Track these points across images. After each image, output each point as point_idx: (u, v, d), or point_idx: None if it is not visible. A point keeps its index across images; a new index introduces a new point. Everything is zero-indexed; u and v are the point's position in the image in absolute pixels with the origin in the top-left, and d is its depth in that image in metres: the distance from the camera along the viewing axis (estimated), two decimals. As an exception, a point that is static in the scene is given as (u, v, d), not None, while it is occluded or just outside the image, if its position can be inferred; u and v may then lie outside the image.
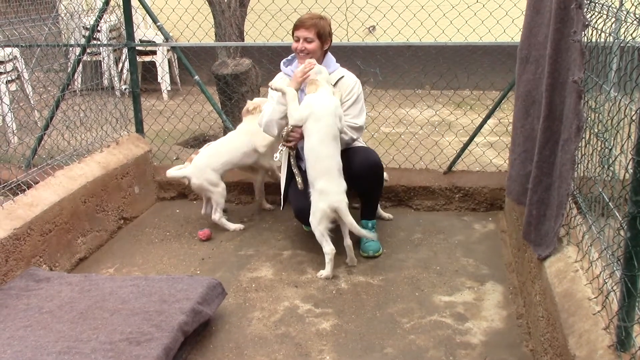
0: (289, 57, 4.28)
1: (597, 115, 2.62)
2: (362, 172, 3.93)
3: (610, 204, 2.40)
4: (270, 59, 7.34)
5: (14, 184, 3.95)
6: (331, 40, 4.20)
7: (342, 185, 3.82)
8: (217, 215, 4.52)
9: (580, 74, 2.66)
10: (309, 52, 4.07)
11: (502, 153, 5.22)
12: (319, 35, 4.06)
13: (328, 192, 3.79)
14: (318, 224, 3.82)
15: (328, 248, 3.83)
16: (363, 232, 3.90)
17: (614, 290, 2.20)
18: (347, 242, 3.95)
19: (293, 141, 4.04)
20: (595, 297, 2.40)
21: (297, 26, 4.09)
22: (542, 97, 3.00)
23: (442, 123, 5.85)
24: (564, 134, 2.88)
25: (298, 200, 4.13)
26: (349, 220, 3.82)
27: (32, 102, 6.22)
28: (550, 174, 3.01)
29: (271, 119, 4.09)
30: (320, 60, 4.14)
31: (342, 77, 4.16)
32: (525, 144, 3.47)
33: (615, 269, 2.28)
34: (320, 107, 3.86)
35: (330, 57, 4.22)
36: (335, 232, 3.92)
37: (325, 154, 3.82)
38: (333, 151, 3.84)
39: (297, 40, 4.08)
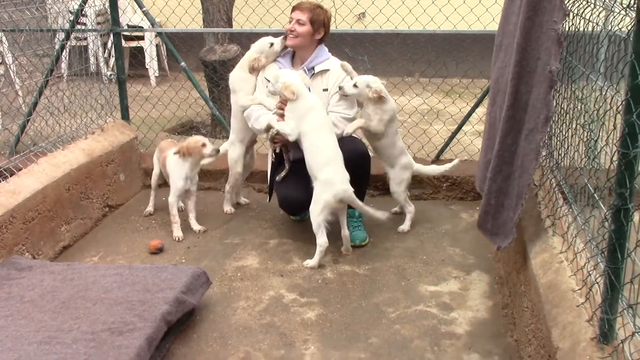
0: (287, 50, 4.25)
1: (583, 105, 2.60)
2: (349, 162, 3.90)
3: (595, 195, 2.39)
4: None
5: (-4, 172, 3.90)
6: (326, 33, 4.14)
7: (347, 175, 3.83)
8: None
9: (557, 64, 2.64)
10: (298, 35, 4.05)
11: (490, 142, 5.19)
12: (311, 20, 4.03)
13: (333, 182, 3.78)
14: (318, 214, 3.79)
15: (322, 240, 3.81)
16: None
17: (597, 283, 2.19)
18: (345, 232, 3.97)
19: (279, 143, 4.07)
20: (579, 289, 2.39)
21: (294, 8, 4.11)
22: (508, 86, 2.98)
23: (430, 111, 5.82)
24: (528, 123, 2.86)
25: (283, 189, 4.10)
26: (359, 205, 3.87)
27: (16, 87, 6.12)
28: (512, 163, 3.00)
29: (256, 127, 4.21)
30: (310, 50, 4.09)
31: (328, 70, 4.10)
32: (489, 132, 3.46)
33: (599, 261, 2.27)
34: (314, 101, 3.89)
35: (322, 48, 4.17)
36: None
37: (325, 145, 3.83)
38: (333, 141, 3.86)
39: (290, 21, 4.08)
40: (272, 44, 4.21)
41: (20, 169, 4.00)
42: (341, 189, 3.77)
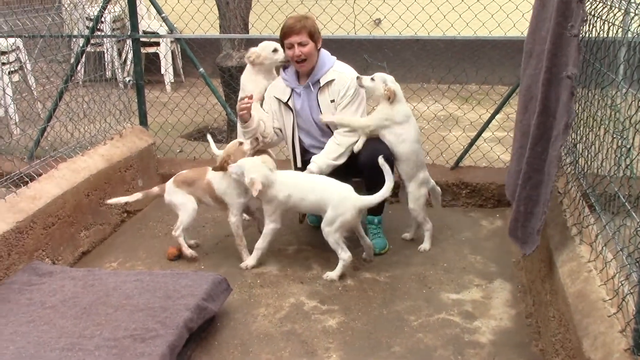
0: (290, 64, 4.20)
1: (614, 112, 2.56)
2: (371, 164, 3.87)
3: (627, 204, 2.35)
4: (275, 51, 7.29)
5: (16, 177, 3.90)
6: (320, 38, 4.06)
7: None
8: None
9: (575, 70, 2.61)
10: (307, 56, 3.95)
11: (510, 149, 5.14)
12: (311, 35, 3.93)
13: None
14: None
15: (346, 255, 3.77)
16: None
17: (631, 293, 2.15)
18: (368, 241, 3.98)
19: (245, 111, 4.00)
20: (610, 299, 2.35)
21: (286, 34, 3.94)
22: (539, 92, 2.95)
23: (449, 118, 5.79)
24: (554, 130, 2.83)
25: None
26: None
27: (34, 93, 6.16)
28: (541, 170, 2.97)
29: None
30: (314, 60, 4.03)
31: (333, 80, 4.03)
32: (521, 140, 3.42)
33: (631, 270, 2.22)
34: (284, 184, 3.85)
35: (323, 54, 4.08)
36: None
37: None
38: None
39: (291, 47, 3.94)
40: (276, 50, 4.16)
41: (40, 175, 4.01)
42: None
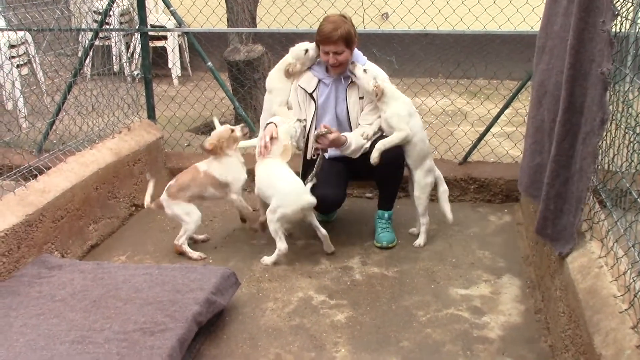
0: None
1: (626, 108, 2.54)
2: (382, 160, 3.87)
3: (639, 200, 2.33)
4: (283, 45, 7.24)
5: (25, 170, 3.91)
6: (357, 38, 4.04)
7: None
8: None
9: (609, 65, 2.58)
10: (342, 63, 3.97)
11: (519, 144, 5.12)
12: (347, 43, 3.92)
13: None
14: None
15: (283, 245, 3.87)
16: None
17: (643, 289, 2.14)
18: (323, 232, 3.97)
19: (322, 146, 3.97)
20: (621, 295, 2.34)
21: (323, 41, 3.92)
22: (562, 89, 2.92)
23: (458, 113, 5.77)
24: (585, 126, 2.81)
25: (319, 188, 4.03)
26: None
27: (43, 86, 6.17)
28: (569, 167, 2.94)
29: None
30: (349, 63, 4.03)
31: None
32: (535, 135, 3.40)
33: (644, 266, 2.21)
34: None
35: (356, 52, 4.09)
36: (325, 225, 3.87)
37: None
38: None
39: (327, 54, 3.94)
40: (307, 50, 4.12)
41: (49, 168, 4.02)
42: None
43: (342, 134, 3.95)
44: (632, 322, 2.17)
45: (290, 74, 4.19)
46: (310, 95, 4.09)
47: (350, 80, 4.03)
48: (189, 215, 4.02)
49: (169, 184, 4.11)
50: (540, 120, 3.30)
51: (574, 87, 2.82)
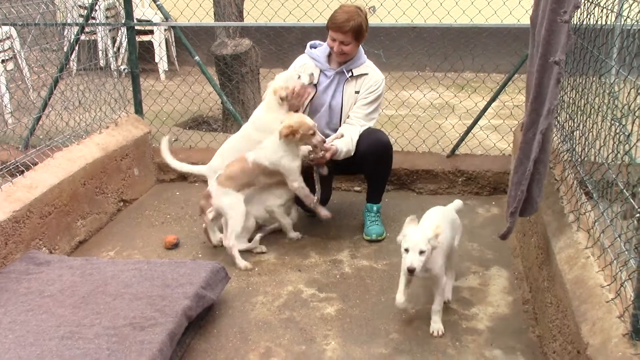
0: (317, 43, 4.18)
1: (612, 99, 2.57)
2: (370, 153, 3.89)
3: (624, 191, 2.36)
4: (271, 39, 7.23)
5: (12, 166, 3.88)
6: (367, 34, 4.04)
7: None
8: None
9: (562, 56, 2.61)
10: (346, 53, 3.98)
11: (506, 137, 5.16)
12: (356, 36, 3.92)
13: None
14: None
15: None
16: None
17: (629, 279, 2.16)
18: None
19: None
20: (608, 285, 2.36)
21: (334, 29, 3.91)
22: (533, 79, 2.95)
23: (445, 106, 5.78)
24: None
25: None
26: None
27: (28, 82, 6.12)
28: (529, 156, 2.98)
29: None
30: (353, 55, 4.04)
31: (366, 74, 4.07)
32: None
33: (629, 257, 2.24)
34: None
35: (360, 50, 4.10)
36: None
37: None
38: None
39: (334, 40, 3.94)
40: (299, 77, 4.04)
41: (35, 164, 3.99)
42: None
43: (332, 142, 3.92)
44: (618, 312, 2.20)
45: (286, 100, 3.96)
46: (314, 83, 4.10)
47: (350, 75, 4.05)
48: (233, 210, 3.80)
49: (219, 173, 3.92)
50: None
51: (543, 77, 2.85)
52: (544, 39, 2.82)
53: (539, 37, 3.12)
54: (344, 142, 3.95)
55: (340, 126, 4.09)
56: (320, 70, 4.11)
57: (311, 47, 4.18)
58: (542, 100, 2.88)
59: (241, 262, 3.76)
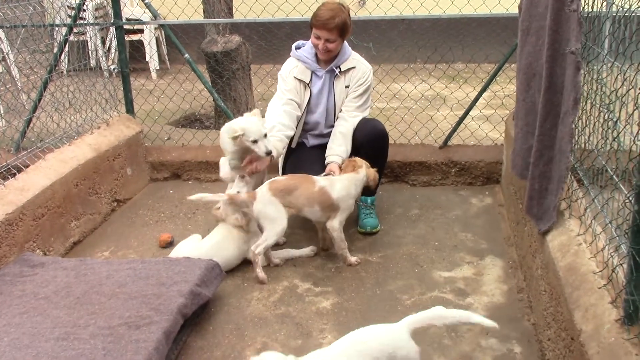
0: (300, 43, 4.17)
1: (600, 86, 2.57)
2: (367, 142, 3.91)
3: (614, 177, 2.37)
4: (261, 35, 7.22)
5: (3, 169, 3.87)
6: (351, 29, 4.04)
7: None
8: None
9: (578, 45, 2.61)
10: (330, 51, 3.97)
11: (498, 126, 5.17)
12: (341, 33, 3.91)
13: None
14: None
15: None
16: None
17: (620, 265, 2.17)
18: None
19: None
20: (600, 271, 2.37)
21: (318, 27, 3.89)
22: (543, 70, 2.95)
23: (436, 97, 5.79)
24: (563, 106, 2.84)
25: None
26: None
27: (18, 84, 6.09)
28: (552, 147, 2.97)
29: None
30: (337, 51, 4.03)
31: (354, 67, 4.07)
32: (526, 118, 3.42)
33: (621, 242, 2.25)
34: None
35: (345, 45, 4.09)
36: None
37: None
38: None
39: (318, 38, 3.93)
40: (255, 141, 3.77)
41: (27, 166, 3.98)
42: None
43: (332, 161, 3.97)
44: (610, 297, 2.21)
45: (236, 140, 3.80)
46: (307, 85, 4.10)
47: (339, 71, 4.05)
48: (273, 224, 3.59)
49: (274, 178, 3.78)
50: (530, 102, 3.32)
51: (554, 67, 2.85)
52: (551, 28, 2.82)
53: (538, 27, 3.12)
54: (339, 150, 4.00)
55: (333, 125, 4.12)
56: (312, 72, 4.10)
57: (296, 48, 4.16)
58: (555, 90, 2.87)
59: (260, 273, 3.59)
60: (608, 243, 2.37)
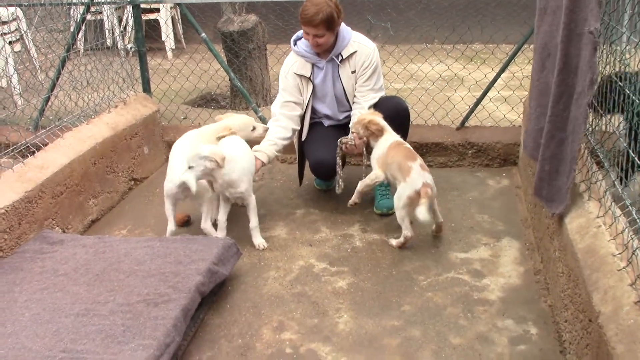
0: (299, 35, 4.13)
1: (623, 67, 2.53)
2: (391, 118, 3.90)
3: (636, 159, 2.34)
4: (277, 14, 7.18)
5: (23, 147, 3.91)
6: (341, 19, 3.96)
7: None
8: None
9: (597, 25, 2.57)
10: (322, 45, 3.92)
11: (516, 108, 5.12)
12: (328, 27, 3.85)
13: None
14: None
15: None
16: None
17: (641, 247, 2.16)
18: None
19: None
20: (619, 253, 2.36)
21: (305, 23, 3.86)
22: (558, 50, 2.91)
23: (454, 78, 5.74)
24: (578, 87, 2.80)
25: (315, 153, 4.07)
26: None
27: (36, 62, 6.12)
28: (564, 128, 2.94)
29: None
30: (330, 43, 3.97)
31: (355, 51, 4.01)
32: (539, 99, 3.39)
33: (642, 224, 2.23)
34: None
35: (342, 30, 4.01)
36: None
37: None
38: None
39: (307, 34, 3.90)
40: (254, 128, 4.13)
41: (46, 144, 4.01)
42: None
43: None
44: (630, 279, 2.20)
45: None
46: (308, 79, 4.07)
47: (340, 59, 4.01)
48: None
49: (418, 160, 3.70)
50: (544, 83, 3.29)
51: (569, 47, 2.81)
52: (567, 8, 2.77)
53: (555, 6, 3.07)
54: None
55: (351, 108, 4.11)
56: (313, 64, 4.07)
57: (295, 40, 4.12)
58: (569, 71, 2.84)
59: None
60: (628, 225, 2.35)
